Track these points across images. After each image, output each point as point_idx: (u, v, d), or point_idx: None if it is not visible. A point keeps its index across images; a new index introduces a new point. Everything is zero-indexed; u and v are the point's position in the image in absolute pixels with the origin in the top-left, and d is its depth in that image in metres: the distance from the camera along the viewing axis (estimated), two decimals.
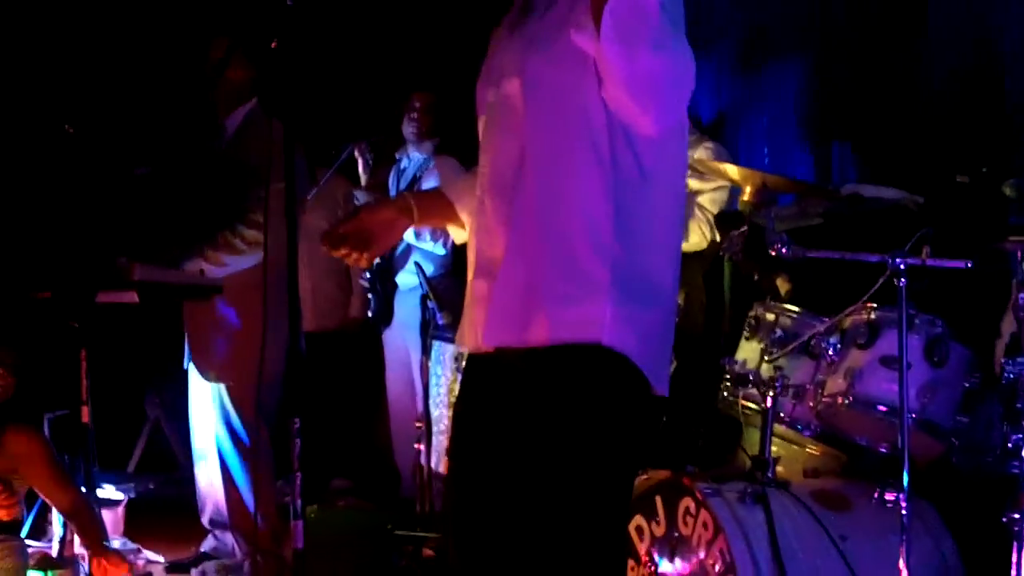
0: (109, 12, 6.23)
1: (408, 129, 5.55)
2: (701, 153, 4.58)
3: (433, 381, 4.53)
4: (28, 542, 4.37)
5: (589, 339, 2.20)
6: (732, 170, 3.88)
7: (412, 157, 5.62)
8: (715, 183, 4.54)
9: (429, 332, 4.50)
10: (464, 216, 2.54)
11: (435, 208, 2.61)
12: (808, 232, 3.88)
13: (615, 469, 2.26)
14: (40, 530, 4.68)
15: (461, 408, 2.47)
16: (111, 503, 5.02)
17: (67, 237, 5.41)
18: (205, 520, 4.79)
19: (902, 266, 3.25)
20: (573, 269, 2.22)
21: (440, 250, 5.34)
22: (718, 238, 4.36)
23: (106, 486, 5.06)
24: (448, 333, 4.42)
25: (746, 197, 3.79)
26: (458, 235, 2.61)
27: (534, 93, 2.26)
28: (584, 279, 2.21)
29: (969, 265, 3.27)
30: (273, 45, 2.23)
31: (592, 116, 2.22)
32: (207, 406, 4.60)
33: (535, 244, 2.24)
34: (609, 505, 2.26)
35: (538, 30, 2.29)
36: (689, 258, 4.44)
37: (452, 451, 2.46)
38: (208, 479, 4.69)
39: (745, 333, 3.74)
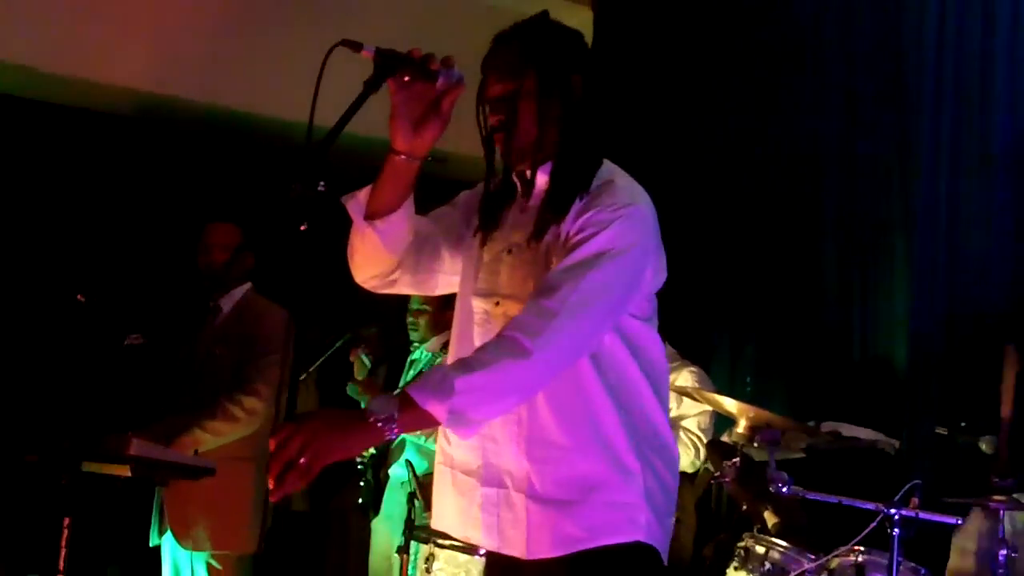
0: (118, 195, 6.40)
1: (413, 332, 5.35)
2: (686, 378, 4.71)
3: None
4: None
5: (631, 539, 2.33)
6: (729, 403, 4.01)
7: (424, 355, 5.41)
8: (699, 408, 4.65)
9: (411, 530, 4.51)
10: None
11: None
12: (791, 465, 4.00)
13: None
14: None
15: None
16: None
17: (62, 403, 5.43)
18: None
19: (896, 516, 3.37)
20: (608, 472, 2.33)
21: (432, 446, 5.32)
22: (707, 463, 4.46)
23: None
24: (424, 534, 4.44)
25: (740, 429, 3.92)
26: None
27: None
28: (622, 478, 2.33)
29: (959, 522, 3.40)
30: (303, 228, 2.24)
31: None
32: None
33: (562, 454, 2.33)
34: None
35: (537, 256, 2.39)
36: (680, 483, 4.53)
37: None
38: None
39: (734, 564, 3.82)
